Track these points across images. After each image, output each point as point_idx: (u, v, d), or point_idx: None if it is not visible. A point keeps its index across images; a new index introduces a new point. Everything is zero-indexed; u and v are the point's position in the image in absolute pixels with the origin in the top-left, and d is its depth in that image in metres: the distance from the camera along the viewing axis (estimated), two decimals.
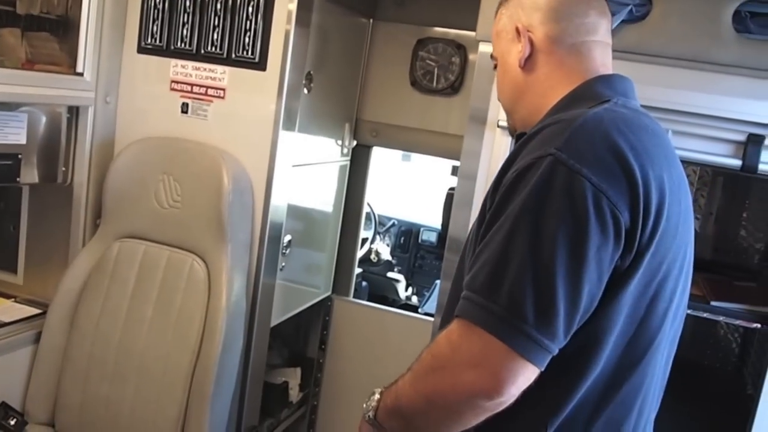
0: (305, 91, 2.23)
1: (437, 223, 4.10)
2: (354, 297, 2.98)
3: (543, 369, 0.95)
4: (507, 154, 1.63)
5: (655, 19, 1.65)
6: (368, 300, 3.36)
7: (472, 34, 1.85)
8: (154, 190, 2.08)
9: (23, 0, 2.08)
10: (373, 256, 3.88)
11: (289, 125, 2.13)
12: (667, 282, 1.08)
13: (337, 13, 2.41)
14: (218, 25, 2.09)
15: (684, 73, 1.63)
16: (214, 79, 2.12)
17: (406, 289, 3.91)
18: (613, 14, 1.64)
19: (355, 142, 2.72)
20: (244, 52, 2.07)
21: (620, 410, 1.09)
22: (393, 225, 4.21)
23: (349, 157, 2.73)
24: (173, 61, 2.16)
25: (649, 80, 1.61)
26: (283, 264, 2.29)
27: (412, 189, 4.95)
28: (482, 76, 1.81)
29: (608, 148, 0.98)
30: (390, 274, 3.85)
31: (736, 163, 1.64)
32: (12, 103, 1.93)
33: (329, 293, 2.83)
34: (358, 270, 3.07)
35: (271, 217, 2.12)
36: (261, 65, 2.06)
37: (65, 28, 2.10)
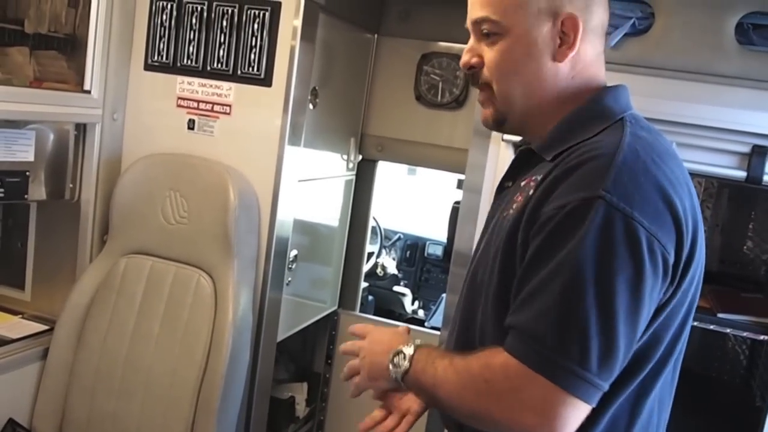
0: (311, 106, 2.24)
1: (443, 237, 4.09)
2: (360, 311, 2.98)
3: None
4: None
5: (658, 31, 1.66)
6: (375, 314, 3.35)
7: None
8: (161, 206, 2.09)
9: (31, 19, 2.11)
10: (379, 270, 3.87)
11: (295, 140, 2.14)
12: (696, 298, 1.13)
13: (341, 29, 2.43)
14: (224, 42, 2.11)
15: (687, 86, 1.63)
16: (220, 95, 2.13)
17: (413, 303, 3.90)
18: (615, 27, 1.66)
19: (360, 157, 2.73)
20: (250, 69, 2.08)
21: (647, 421, 1.13)
22: (399, 239, 4.21)
23: (354, 172, 2.74)
24: (179, 78, 2.18)
25: (652, 93, 1.62)
26: (290, 279, 2.29)
27: (417, 203, 4.95)
28: None
29: (653, 187, 1.00)
30: (396, 288, 3.85)
31: (741, 174, 1.64)
32: (20, 121, 1.95)
33: (336, 308, 2.83)
34: (364, 284, 3.07)
35: (277, 232, 2.13)
36: (267, 81, 2.07)
37: (73, 46, 2.12)
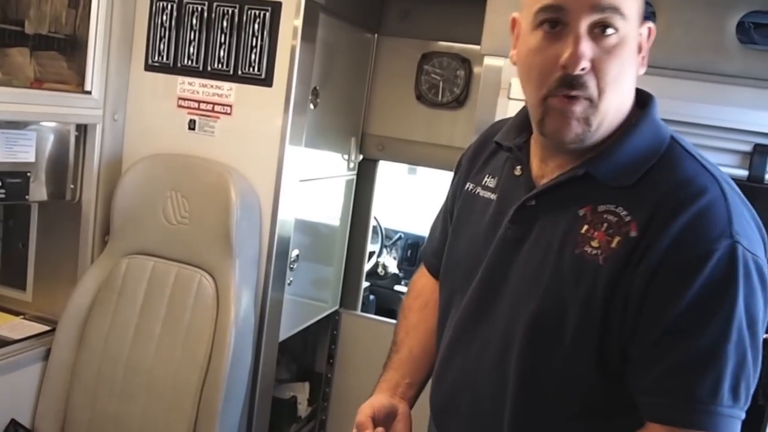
0: (311, 106, 2.24)
1: None
2: (362, 311, 2.98)
3: None
4: None
5: (659, 31, 1.65)
6: (376, 313, 3.35)
7: (476, 47, 1.86)
8: (162, 206, 2.09)
9: (32, 20, 2.10)
10: (380, 269, 3.86)
11: (296, 140, 2.14)
12: None
13: (342, 29, 2.42)
14: (224, 42, 2.10)
15: (688, 85, 1.63)
16: (220, 95, 2.13)
17: None
18: None
19: (361, 157, 2.73)
20: (251, 69, 2.08)
21: None
22: (400, 238, 4.20)
23: (355, 172, 2.74)
24: (180, 79, 2.17)
25: (653, 92, 1.61)
26: (291, 279, 2.29)
27: (418, 202, 4.93)
28: (488, 89, 1.82)
29: (752, 220, 1.01)
30: (397, 288, 3.84)
31: (743, 173, 1.63)
32: (21, 122, 1.95)
33: (337, 307, 2.83)
34: (365, 284, 3.07)
35: (278, 232, 2.13)
36: (267, 81, 2.07)
37: (73, 46, 2.12)
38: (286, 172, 2.11)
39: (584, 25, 0.96)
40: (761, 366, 1.00)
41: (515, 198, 1.12)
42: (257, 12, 2.05)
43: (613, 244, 0.98)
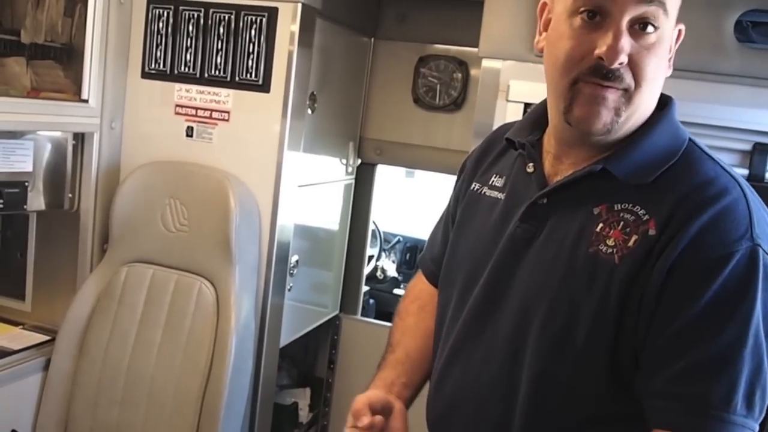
0: (309, 111, 2.23)
1: None
2: (361, 315, 2.97)
3: None
4: None
5: None
6: (376, 317, 3.34)
7: (473, 50, 1.87)
8: (161, 214, 2.08)
9: (27, 29, 2.10)
10: (379, 273, 3.86)
11: (294, 146, 2.13)
12: None
13: (338, 33, 2.42)
14: (221, 49, 2.10)
15: (687, 84, 1.63)
16: (218, 102, 2.12)
17: None
18: None
19: (359, 161, 2.73)
20: (248, 75, 2.08)
21: None
22: (398, 241, 4.20)
23: (353, 176, 2.73)
24: (177, 86, 2.17)
25: None
26: (291, 284, 2.28)
27: (415, 205, 4.93)
28: (486, 91, 1.82)
29: None
30: (397, 291, 3.83)
31: (743, 172, 1.64)
32: (18, 132, 1.94)
33: (337, 312, 2.82)
34: (364, 288, 3.06)
35: (278, 238, 2.12)
36: (265, 87, 2.07)
37: (69, 55, 2.11)
38: (285, 178, 2.10)
39: (626, 18, 0.94)
40: None
41: (526, 196, 1.09)
42: (254, 18, 2.05)
43: (630, 243, 0.95)
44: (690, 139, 1.04)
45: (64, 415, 2.04)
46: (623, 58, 0.94)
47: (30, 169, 1.99)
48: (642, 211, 0.97)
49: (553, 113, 1.07)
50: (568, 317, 0.98)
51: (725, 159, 1.64)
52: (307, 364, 2.87)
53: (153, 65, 2.19)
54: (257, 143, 2.10)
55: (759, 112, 1.60)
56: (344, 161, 2.62)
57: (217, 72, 2.11)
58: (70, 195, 2.13)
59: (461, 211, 1.25)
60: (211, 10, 2.09)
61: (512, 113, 1.77)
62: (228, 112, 2.12)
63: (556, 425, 1.03)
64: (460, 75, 2.58)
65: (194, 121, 2.16)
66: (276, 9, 2.03)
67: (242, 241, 2.02)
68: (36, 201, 2.04)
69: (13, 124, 1.87)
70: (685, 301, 0.92)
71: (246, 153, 2.11)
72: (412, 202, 5.02)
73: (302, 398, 2.73)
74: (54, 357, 2.05)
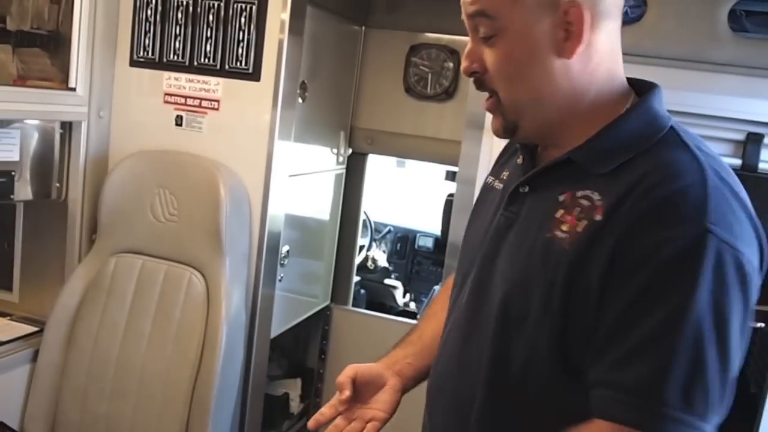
0: (300, 100, 2.22)
1: (433, 229, 4.09)
2: (352, 305, 2.97)
3: None
4: None
5: (651, 20, 1.65)
6: (366, 307, 3.35)
7: (465, 39, 1.85)
8: (150, 203, 2.06)
9: (13, 16, 2.07)
10: (369, 263, 3.86)
11: (285, 135, 2.11)
12: None
13: (329, 22, 2.40)
14: (211, 37, 2.08)
15: (681, 74, 1.63)
16: (208, 90, 2.10)
17: (404, 296, 3.90)
18: None
19: (350, 150, 2.71)
20: (238, 63, 2.05)
21: None
22: (389, 231, 4.20)
23: (344, 166, 2.72)
24: (166, 74, 2.14)
25: None
26: (282, 275, 2.27)
27: (406, 195, 4.94)
28: None
29: (745, 216, 0.93)
30: (387, 281, 3.84)
31: (736, 162, 1.64)
32: (4, 120, 1.91)
33: (328, 302, 2.81)
34: (355, 278, 3.06)
35: (268, 228, 2.11)
36: (255, 76, 2.05)
37: (56, 43, 2.08)
38: (276, 168, 2.09)
39: (468, 22, 1.01)
40: (750, 354, 0.96)
41: (513, 185, 1.11)
42: (244, 5, 2.03)
43: (579, 228, 0.94)
44: (672, 127, 1.00)
45: (52, 407, 2.02)
46: (466, 63, 1.02)
47: (17, 158, 1.97)
48: (597, 197, 0.95)
49: None
50: (524, 301, 0.99)
51: (718, 149, 1.66)
52: (298, 354, 2.87)
53: (141, 53, 2.16)
54: (247, 132, 2.08)
55: (752, 101, 1.59)
56: (335, 151, 2.61)
57: (206, 60, 2.09)
58: (57, 184, 2.10)
59: (475, 203, 1.28)
60: None
61: None
62: (218, 101, 2.10)
63: (509, 410, 1.03)
64: (451, 64, 2.57)
65: (183, 110, 2.14)
66: None
67: (232, 232, 2.00)
68: (23, 191, 2.02)
69: None
70: (622, 288, 0.89)
71: (236, 142, 2.09)
72: (403, 192, 5.02)
73: (293, 389, 2.73)
74: (42, 348, 2.03)
